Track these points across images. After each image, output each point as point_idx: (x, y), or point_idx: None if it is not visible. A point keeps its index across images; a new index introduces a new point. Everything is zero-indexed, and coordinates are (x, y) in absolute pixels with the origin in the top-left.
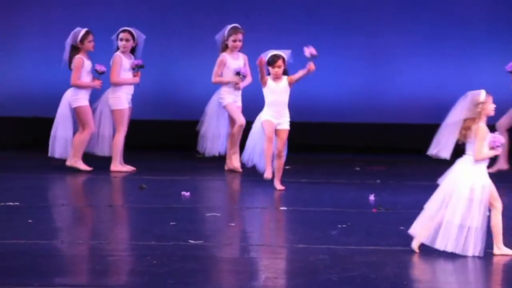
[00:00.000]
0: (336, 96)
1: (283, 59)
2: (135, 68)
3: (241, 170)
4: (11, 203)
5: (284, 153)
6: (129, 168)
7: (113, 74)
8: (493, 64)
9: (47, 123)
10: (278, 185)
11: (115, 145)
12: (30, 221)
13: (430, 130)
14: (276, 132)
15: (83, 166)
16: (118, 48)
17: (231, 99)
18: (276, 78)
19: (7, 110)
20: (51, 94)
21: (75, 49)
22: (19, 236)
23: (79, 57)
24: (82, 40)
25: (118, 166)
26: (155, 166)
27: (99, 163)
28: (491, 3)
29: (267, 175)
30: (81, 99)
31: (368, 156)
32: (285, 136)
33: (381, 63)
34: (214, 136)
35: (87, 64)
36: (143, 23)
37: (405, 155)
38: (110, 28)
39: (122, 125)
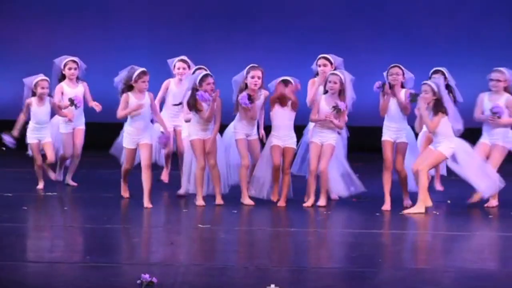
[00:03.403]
0: None
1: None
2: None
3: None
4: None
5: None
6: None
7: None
8: (470, 73)
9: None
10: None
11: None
12: (65, 208)
13: None
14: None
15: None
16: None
17: (243, 135)
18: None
19: None
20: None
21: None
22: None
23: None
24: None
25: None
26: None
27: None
28: (470, 19)
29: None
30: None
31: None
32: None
33: (364, 76)
34: None
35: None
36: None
37: (380, 153)
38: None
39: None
